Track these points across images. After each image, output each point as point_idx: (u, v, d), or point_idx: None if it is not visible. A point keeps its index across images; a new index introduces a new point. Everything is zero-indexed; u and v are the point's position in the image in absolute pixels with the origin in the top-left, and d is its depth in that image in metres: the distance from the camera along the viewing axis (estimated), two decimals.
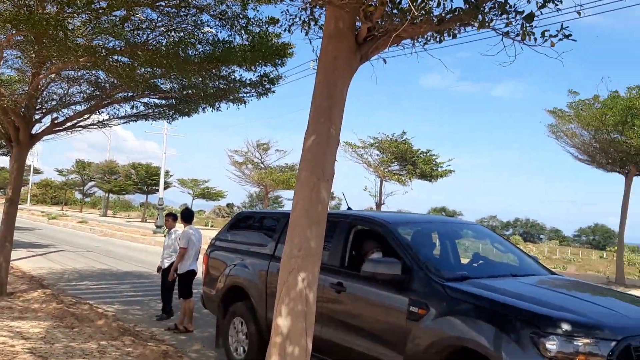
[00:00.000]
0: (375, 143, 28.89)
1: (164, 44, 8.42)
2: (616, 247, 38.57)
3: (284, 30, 5.54)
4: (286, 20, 5.54)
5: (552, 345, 3.82)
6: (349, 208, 6.94)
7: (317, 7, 4.50)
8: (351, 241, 5.84)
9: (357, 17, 3.99)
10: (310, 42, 5.55)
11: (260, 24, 9.00)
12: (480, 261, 5.81)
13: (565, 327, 3.87)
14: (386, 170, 29.03)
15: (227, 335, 7.05)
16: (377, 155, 29.27)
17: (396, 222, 5.75)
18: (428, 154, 29.51)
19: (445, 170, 29.49)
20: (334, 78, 4.07)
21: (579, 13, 4.00)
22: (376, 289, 5.10)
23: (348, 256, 5.75)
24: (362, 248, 5.83)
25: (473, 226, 7.00)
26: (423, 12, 3.72)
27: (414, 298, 4.75)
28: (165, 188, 43.52)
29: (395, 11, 3.88)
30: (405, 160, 28.73)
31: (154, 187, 51.94)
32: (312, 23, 5.27)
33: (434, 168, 29.31)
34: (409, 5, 3.91)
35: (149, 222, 45.82)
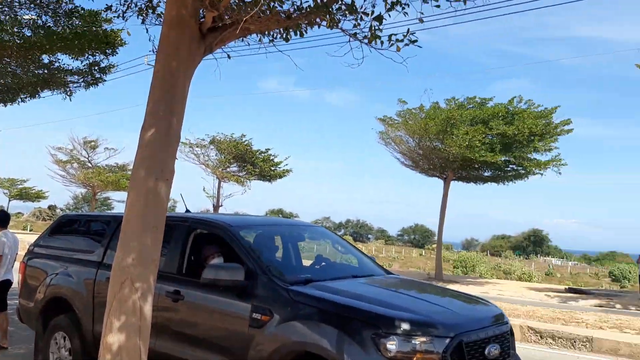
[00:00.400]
0: (213, 142, 28.32)
1: None
2: (434, 246, 42.27)
3: (117, 17, 5.06)
4: (120, 5, 5.06)
5: (392, 345, 3.87)
6: (187, 210, 6.56)
7: None
8: (190, 246, 5.48)
9: (202, 5, 3.70)
10: (147, 30, 5.12)
11: (87, 12, 8.28)
12: (323, 263, 5.80)
13: (404, 326, 3.95)
14: (225, 171, 28.61)
15: (47, 351, 6.30)
16: (216, 155, 28.74)
17: (238, 225, 5.52)
18: (267, 153, 29.69)
19: (284, 170, 29.90)
20: (175, 69, 3.72)
21: (420, 20, 4.13)
22: (217, 296, 4.83)
23: (186, 262, 5.39)
24: (201, 253, 5.50)
25: (315, 228, 7.02)
26: (272, 6, 3.57)
27: (257, 304, 4.56)
28: None
29: (242, 2, 3.67)
30: (245, 161, 28.58)
31: None
32: (150, 11, 4.87)
33: (273, 167, 29.55)
34: None
35: None
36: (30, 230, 42.45)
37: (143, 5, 4.80)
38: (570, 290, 21.32)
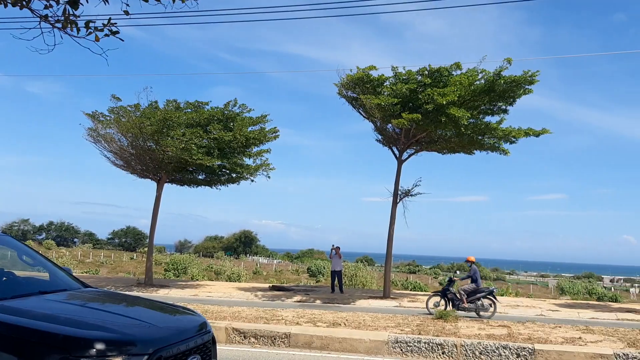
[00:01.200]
0: None
1: None
2: (146, 249, 41.01)
3: None
4: None
5: None
6: None
7: None
8: None
9: None
10: None
11: None
12: (4, 278, 4.96)
13: (98, 346, 3.58)
14: None
15: None
16: None
17: None
18: None
19: None
20: None
21: (126, 12, 3.81)
22: None
23: None
24: None
25: None
26: None
27: None
28: None
29: None
30: None
31: None
32: None
33: None
34: None
35: None
36: None
37: None
38: (273, 287, 22.87)
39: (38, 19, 3.57)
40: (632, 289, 56.72)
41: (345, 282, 27.87)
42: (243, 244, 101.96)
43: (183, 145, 19.27)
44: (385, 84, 18.57)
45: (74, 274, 5.70)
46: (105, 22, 3.34)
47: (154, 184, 22.53)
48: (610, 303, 24.19)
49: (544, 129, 18.51)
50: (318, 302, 18.10)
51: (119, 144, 21.10)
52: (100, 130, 20.98)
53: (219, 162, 20.76)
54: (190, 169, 21.79)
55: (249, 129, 21.14)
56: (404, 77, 18.72)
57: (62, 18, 3.26)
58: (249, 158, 22.17)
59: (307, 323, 10.72)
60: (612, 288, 55.42)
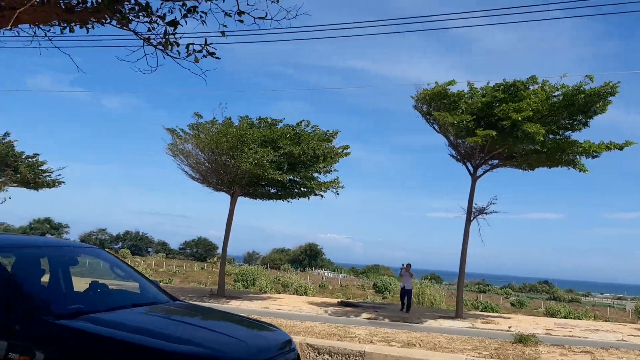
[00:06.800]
0: None
1: None
2: (216, 259, 41.94)
3: None
4: None
5: None
6: None
7: None
8: None
9: None
10: None
11: None
12: (99, 290, 5.16)
13: None
14: None
15: None
16: None
17: None
18: (35, 159, 26.56)
19: (54, 180, 27.01)
20: None
21: (222, 33, 3.90)
22: None
23: None
24: None
25: (90, 250, 6.25)
26: None
27: (15, 342, 3.84)
28: None
29: None
30: (7, 165, 25.12)
31: None
32: None
33: (40, 176, 26.49)
34: None
35: None
36: None
37: None
38: (342, 303, 22.78)
39: (141, 42, 3.70)
40: None
41: (412, 301, 27.43)
42: (309, 257, 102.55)
43: (256, 161, 19.66)
44: (461, 100, 18.27)
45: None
46: (203, 43, 3.43)
47: (221, 197, 23.12)
48: None
49: (627, 141, 17.52)
50: (386, 320, 17.85)
51: (196, 159, 21.80)
52: (178, 145, 21.76)
53: (290, 177, 21.02)
54: (262, 183, 22.16)
55: (317, 143, 21.33)
56: (481, 93, 18.34)
57: (163, 40, 3.37)
58: (319, 173, 22.35)
59: (381, 342, 10.57)
60: None
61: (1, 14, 2.96)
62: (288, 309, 19.80)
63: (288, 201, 23.93)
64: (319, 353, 9.70)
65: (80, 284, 5.47)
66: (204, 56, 3.45)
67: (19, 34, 4.10)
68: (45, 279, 5.14)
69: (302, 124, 21.95)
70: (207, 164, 21.93)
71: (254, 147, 20.26)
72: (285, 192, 22.88)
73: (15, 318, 3.95)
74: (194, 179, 23.28)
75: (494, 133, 16.82)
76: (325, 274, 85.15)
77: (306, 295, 33.64)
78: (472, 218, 19.58)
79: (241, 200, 23.18)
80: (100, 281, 5.39)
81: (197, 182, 23.38)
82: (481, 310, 32.15)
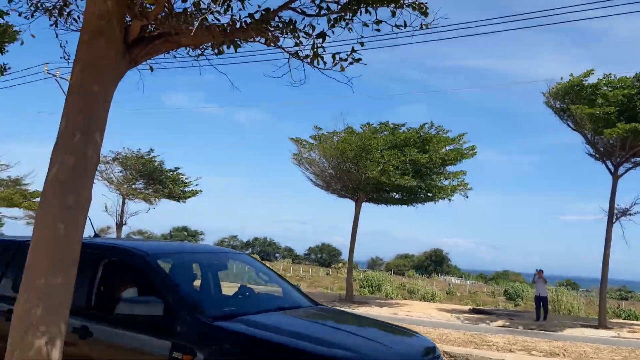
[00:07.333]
0: (118, 158, 26.95)
1: None
2: (340, 264, 42.42)
3: (20, 15, 4.49)
4: (28, 6, 4.50)
5: None
6: (95, 235, 5.98)
7: None
8: (99, 276, 4.94)
9: (130, 13, 3.30)
10: (57, 35, 4.60)
11: None
12: (247, 294, 5.44)
13: None
14: (130, 187, 27.25)
15: None
16: (121, 172, 27.32)
17: (155, 253, 5.05)
18: (176, 173, 28.67)
19: (193, 190, 28.97)
20: (96, 83, 3.29)
21: (361, 44, 3.97)
22: (131, 332, 4.35)
23: (95, 295, 4.84)
24: (112, 284, 4.98)
25: (236, 255, 6.63)
26: (211, 20, 3.26)
27: (178, 342, 4.14)
28: None
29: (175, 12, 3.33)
30: (153, 179, 27.37)
31: None
32: (62, 13, 4.34)
33: (182, 189, 28.54)
34: (192, 10, 3.41)
35: None
36: None
37: (55, 6, 4.26)
38: (474, 310, 22.06)
39: (287, 56, 3.85)
40: None
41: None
42: (434, 262, 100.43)
43: (381, 167, 19.69)
44: (598, 92, 17.02)
45: None
46: (349, 52, 3.51)
47: (344, 204, 23.39)
48: None
49: None
50: (521, 328, 16.97)
51: (320, 167, 22.34)
52: (303, 154, 22.45)
53: (415, 183, 20.83)
54: (387, 189, 22.14)
55: (445, 149, 20.92)
56: (618, 85, 16.97)
57: (311, 53, 3.48)
58: (445, 179, 21.91)
59: (521, 351, 10.10)
60: None
61: (168, 40, 3.25)
62: (417, 316, 19.52)
63: (414, 206, 23.70)
64: None
65: (224, 288, 5.81)
66: (350, 63, 3.54)
67: (175, 56, 4.42)
68: (197, 283, 5.52)
69: (426, 126, 21.64)
70: (331, 171, 22.38)
71: (378, 153, 20.31)
72: (410, 197, 22.68)
73: (176, 319, 4.26)
74: (318, 186, 23.87)
75: (637, 126, 15.48)
76: (452, 280, 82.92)
77: (433, 302, 32.99)
78: (614, 220, 18.12)
79: (363, 205, 23.33)
80: (247, 285, 5.68)
81: (321, 189, 23.95)
82: (624, 319, 29.60)
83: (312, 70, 3.82)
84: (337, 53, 3.51)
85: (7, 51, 8.08)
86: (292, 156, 23.28)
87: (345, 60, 3.53)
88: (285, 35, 3.57)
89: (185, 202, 28.84)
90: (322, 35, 3.43)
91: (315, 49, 3.48)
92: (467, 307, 23.86)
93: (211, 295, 5.39)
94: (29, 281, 2.99)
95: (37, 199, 32.26)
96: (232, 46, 3.82)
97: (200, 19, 3.15)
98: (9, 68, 8.80)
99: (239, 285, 5.59)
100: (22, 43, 8.32)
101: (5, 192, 30.07)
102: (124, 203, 27.51)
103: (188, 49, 4.20)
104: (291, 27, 3.62)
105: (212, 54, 4.22)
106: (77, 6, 3.95)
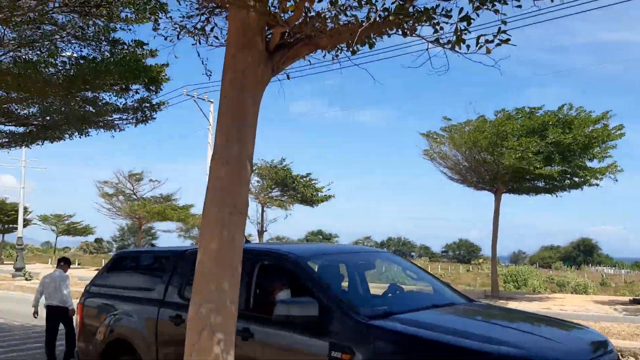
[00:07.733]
0: (255, 169, 28.34)
1: (14, 63, 7.32)
2: (481, 260, 40.91)
3: (165, 39, 4.78)
4: (172, 29, 4.79)
5: None
6: (246, 241, 6.25)
7: (218, 9, 3.84)
8: (255, 280, 5.14)
9: (271, 21, 3.39)
10: (199, 54, 4.84)
11: (134, 42, 8.12)
12: (397, 292, 5.37)
13: None
14: (267, 196, 28.50)
15: None
16: (258, 182, 28.69)
17: (305, 255, 5.16)
18: (307, 178, 29.48)
19: (326, 195, 29.61)
20: (244, 94, 3.42)
21: (504, 22, 3.75)
22: (289, 333, 4.47)
23: (253, 297, 5.05)
24: (267, 287, 5.16)
25: (381, 254, 6.60)
26: (349, 16, 3.25)
27: (335, 341, 4.18)
28: (24, 225, 39.07)
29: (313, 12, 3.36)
30: (286, 186, 28.42)
31: (10, 225, 47.03)
32: (209, 29, 4.56)
33: (314, 193, 29.28)
34: (327, 9, 3.41)
35: (7, 264, 41.03)
36: (78, 265, 43.07)
37: (200, 24, 4.47)
38: (634, 301, 20.16)
39: (426, 44, 3.73)
40: None
41: None
42: (582, 253, 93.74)
43: (519, 154, 18.66)
44: None
45: None
46: (495, 32, 3.31)
47: (481, 196, 22.48)
48: None
49: None
50: None
51: (454, 159, 21.71)
52: (434, 148, 21.97)
53: (559, 167, 19.48)
54: (528, 178, 20.94)
55: (590, 128, 19.33)
56: None
57: (454, 38, 3.34)
58: (591, 160, 20.24)
59: None
60: None
61: (307, 43, 3.29)
62: (572, 309, 18.23)
63: (557, 195, 22.20)
64: (622, 355, 8.68)
65: (371, 288, 5.77)
66: (497, 45, 3.34)
67: (310, 62, 4.46)
68: (345, 283, 5.55)
69: (565, 107, 20.13)
70: (465, 164, 21.66)
71: (514, 140, 19.26)
72: (555, 184, 21.25)
73: (332, 319, 4.29)
74: (453, 180, 23.23)
75: None
76: (605, 270, 76.67)
77: (586, 294, 30.68)
78: None
79: (503, 198, 22.26)
80: (396, 283, 5.61)
81: (456, 183, 23.28)
82: None
83: (434, 62, 3.69)
84: (482, 35, 3.33)
85: (162, 89, 8.75)
86: (422, 152, 22.89)
87: (492, 42, 3.34)
88: (424, 24, 3.46)
89: (317, 206, 29.55)
90: (467, 18, 3.27)
91: (459, 33, 3.33)
92: (626, 298, 21.88)
93: (361, 294, 5.39)
94: (200, 286, 3.16)
95: (192, 210, 35.06)
96: (366, 44, 3.79)
97: (335, 15, 3.14)
98: (166, 102, 9.51)
99: (387, 284, 5.54)
100: (166, 79, 8.94)
101: (158, 207, 32.87)
102: (263, 211, 28.84)
103: (324, 52, 4.21)
104: (431, 12, 3.49)
105: (345, 57, 4.21)
106: (216, 24, 4.12)
